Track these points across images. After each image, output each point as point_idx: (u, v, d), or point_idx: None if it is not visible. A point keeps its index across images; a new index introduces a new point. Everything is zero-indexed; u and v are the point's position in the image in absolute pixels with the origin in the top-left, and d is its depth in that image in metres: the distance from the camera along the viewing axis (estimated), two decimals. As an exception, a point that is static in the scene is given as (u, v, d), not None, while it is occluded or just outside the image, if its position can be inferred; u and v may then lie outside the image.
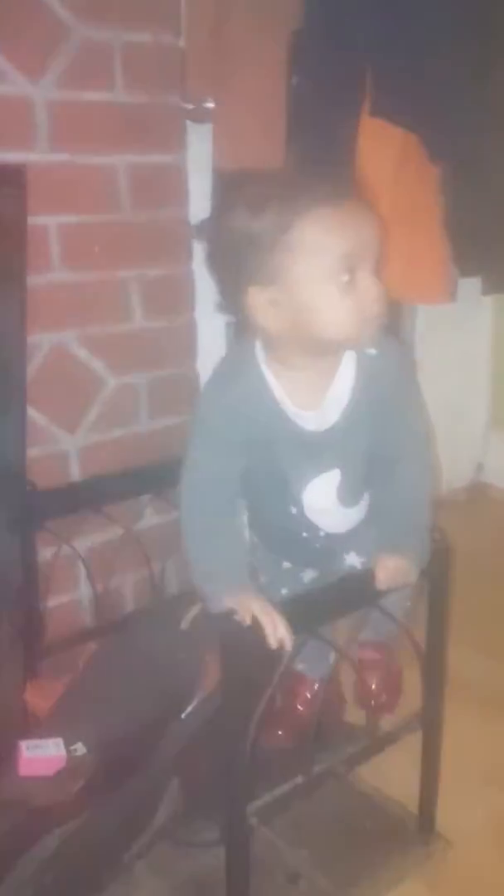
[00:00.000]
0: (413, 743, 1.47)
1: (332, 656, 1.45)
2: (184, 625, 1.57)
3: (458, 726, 1.54)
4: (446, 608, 1.43)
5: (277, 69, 1.88)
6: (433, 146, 1.95)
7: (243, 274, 1.25)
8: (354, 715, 1.64)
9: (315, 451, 1.37)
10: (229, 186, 1.50)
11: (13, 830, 1.32)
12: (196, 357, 2.06)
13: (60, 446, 1.86)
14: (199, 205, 1.97)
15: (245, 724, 1.21)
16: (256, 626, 1.20)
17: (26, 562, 1.64)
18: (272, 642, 1.19)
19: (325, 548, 1.50)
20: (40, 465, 1.77)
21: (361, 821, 1.53)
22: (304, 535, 1.47)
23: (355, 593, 1.35)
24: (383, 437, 1.38)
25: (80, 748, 1.40)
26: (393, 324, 2.61)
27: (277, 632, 1.19)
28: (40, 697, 1.57)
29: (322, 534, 1.47)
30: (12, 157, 1.67)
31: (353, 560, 1.51)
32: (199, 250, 1.99)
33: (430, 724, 1.47)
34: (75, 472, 1.89)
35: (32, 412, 1.76)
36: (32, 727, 1.51)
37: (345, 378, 1.35)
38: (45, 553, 1.75)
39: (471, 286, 2.37)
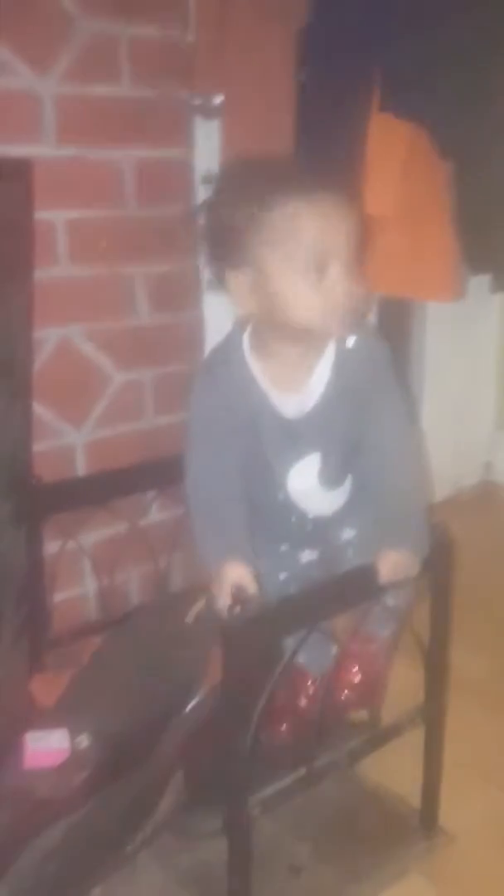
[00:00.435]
0: (415, 737, 1.47)
1: (334, 651, 1.45)
2: (188, 619, 1.58)
3: (460, 721, 1.54)
4: (449, 602, 1.43)
5: (286, 64, 1.88)
6: (442, 142, 1.95)
7: (224, 257, 1.34)
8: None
9: (295, 435, 1.42)
10: (223, 172, 1.58)
11: (17, 821, 1.32)
12: (203, 353, 2.06)
13: (66, 441, 1.87)
14: (207, 200, 1.97)
15: (247, 715, 1.21)
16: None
17: (32, 556, 1.64)
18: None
19: (317, 530, 1.53)
20: (46, 460, 1.77)
21: (364, 815, 1.54)
22: (293, 519, 1.52)
23: (357, 588, 1.35)
24: (362, 427, 1.42)
25: (84, 740, 1.41)
26: (401, 321, 2.63)
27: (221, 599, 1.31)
28: (46, 690, 1.57)
29: (310, 517, 1.52)
30: (19, 151, 1.67)
31: (347, 535, 1.53)
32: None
33: (432, 718, 1.47)
34: (81, 467, 1.90)
35: (38, 407, 1.77)
36: (37, 719, 1.51)
37: (324, 366, 1.40)
38: (51, 547, 1.75)
39: (479, 284, 2.37)
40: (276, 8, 1.84)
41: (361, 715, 1.55)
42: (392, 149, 1.92)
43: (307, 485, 1.47)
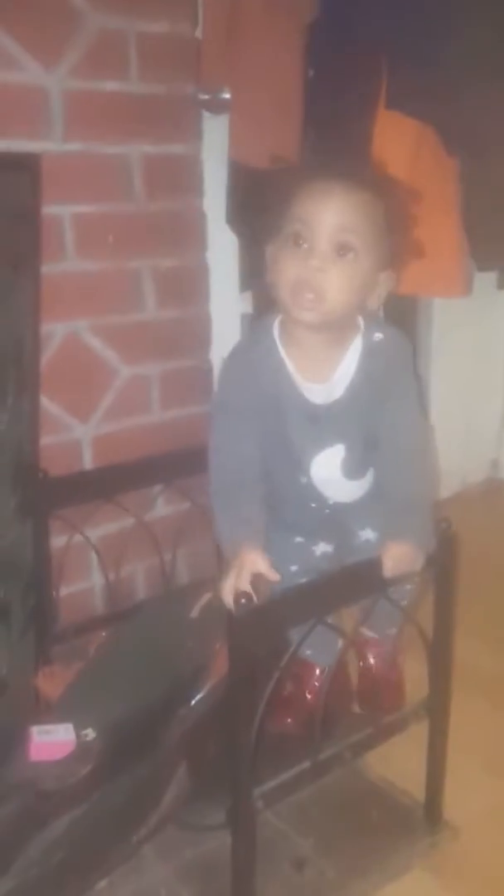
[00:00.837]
0: (419, 732, 1.47)
1: (339, 643, 1.45)
2: (194, 613, 1.58)
3: (464, 715, 1.54)
4: (453, 596, 1.43)
5: (294, 60, 1.88)
6: (450, 138, 1.95)
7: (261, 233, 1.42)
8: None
9: (321, 423, 1.45)
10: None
11: (23, 813, 1.33)
12: (210, 348, 2.07)
13: (73, 435, 1.87)
14: (215, 196, 1.97)
15: (252, 708, 1.21)
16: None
17: (39, 549, 1.65)
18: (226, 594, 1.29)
19: (335, 519, 1.55)
20: (53, 454, 1.78)
21: (368, 809, 1.54)
22: (313, 504, 1.54)
23: (363, 580, 1.35)
24: (379, 420, 1.45)
25: (89, 733, 1.41)
26: (408, 317, 2.63)
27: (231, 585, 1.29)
28: (52, 683, 1.58)
29: (330, 502, 1.53)
30: (27, 145, 1.68)
31: (368, 535, 1.54)
32: (214, 241, 2.01)
33: (436, 712, 1.47)
34: (88, 461, 1.90)
35: (45, 401, 1.78)
36: (43, 712, 1.52)
37: (350, 358, 1.43)
38: (58, 541, 1.76)
39: (487, 280, 2.37)
40: (283, 4, 1.84)
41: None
42: (399, 145, 1.92)
43: (330, 474, 1.50)
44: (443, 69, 1.84)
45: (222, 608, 1.30)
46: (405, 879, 1.42)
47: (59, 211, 1.74)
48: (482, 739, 1.67)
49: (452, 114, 1.90)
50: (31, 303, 1.61)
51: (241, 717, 1.21)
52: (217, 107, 1.93)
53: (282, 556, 1.51)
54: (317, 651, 1.54)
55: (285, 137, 1.89)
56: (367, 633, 1.63)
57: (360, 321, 1.44)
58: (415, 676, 1.51)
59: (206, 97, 1.92)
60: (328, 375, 1.43)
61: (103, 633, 1.68)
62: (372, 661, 1.66)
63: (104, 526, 1.89)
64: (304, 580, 1.50)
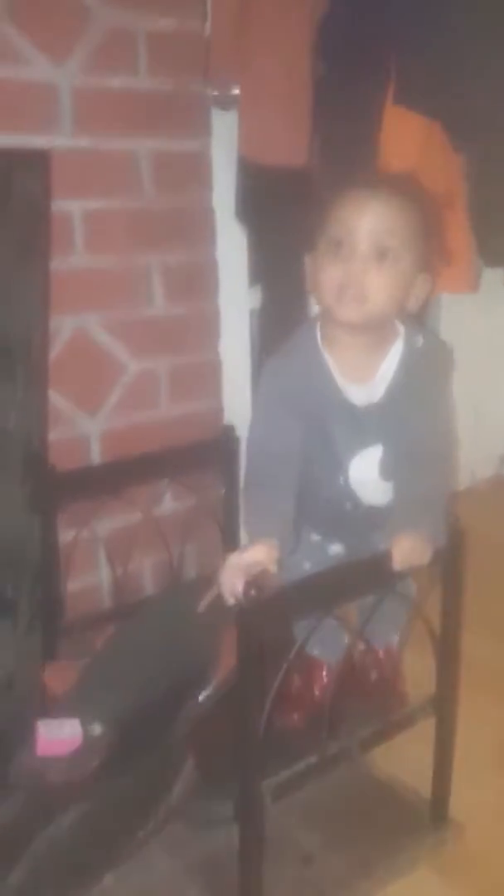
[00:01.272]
0: (426, 728, 1.47)
1: (347, 639, 1.45)
2: (201, 608, 1.58)
3: (472, 711, 1.54)
4: (460, 592, 1.43)
5: (303, 56, 1.88)
6: (457, 134, 1.94)
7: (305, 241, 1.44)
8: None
9: (361, 424, 1.47)
10: None
11: (30, 808, 1.33)
12: (218, 343, 2.07)
13: (81, 430, 1.87)
14: (224, 191, 1.97)
15: (259, 702, 1.22)
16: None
17: (46, 543, 1.65)
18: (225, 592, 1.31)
19: (363, 521, 1.55)
20: (61, 448, 1.78)
21: (375, 805, 1.54)
22: (348, 506, 1.55)
23: (370, 574, 1.35)
24: (411, 423, 1.46)
25: (96, 728, 1.42)
26: (416, 313, 2.62)
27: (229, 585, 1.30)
28: (59, 678, 1.58)
29: (364, 504, 1.55)
30: (36, 141, 1.68)
31: (377, 539, 1.52)
32: (222, 237, 2.01)
33: (443, 709, 1.47)
34: (95, 456, 1.90)
35: (54, 395, 1.78)
36: (50, 706, 1.52)
37: (392, 360, 1.46)
38: (66, 536, 1.77)
39: (494, 276, 2.36)
40: (293, 0, 1.84)
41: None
42: (407, 141, 1.92)
43: (367, 474, 1.51)
44: (450, 65, 1.83)
45: (229, 604, 1.31)
46: (411, 876, 1.42)
47: (69, 206, 1.75)
48: (489, 736, 1.67)
49: (460, 110, 1.89)
50: (40, 297, 1.61)
51: (250, 711, 1.21)
52: (226, 102, 1.93)
53: (298, 553, 1.52)
54: (324, 648, 1.54)
55: (294, 133, 1.89)
56: (369, 642, 1.63)
57: (401, 325, 1.47)
58: (422, 672, 1.51)
59: (216, 93, 1.92)
60: (369, 377, 1.46)
61: (110, 628, 1.68)
62: (374, 676, 1.65)
63: (112, 520, 1.90)
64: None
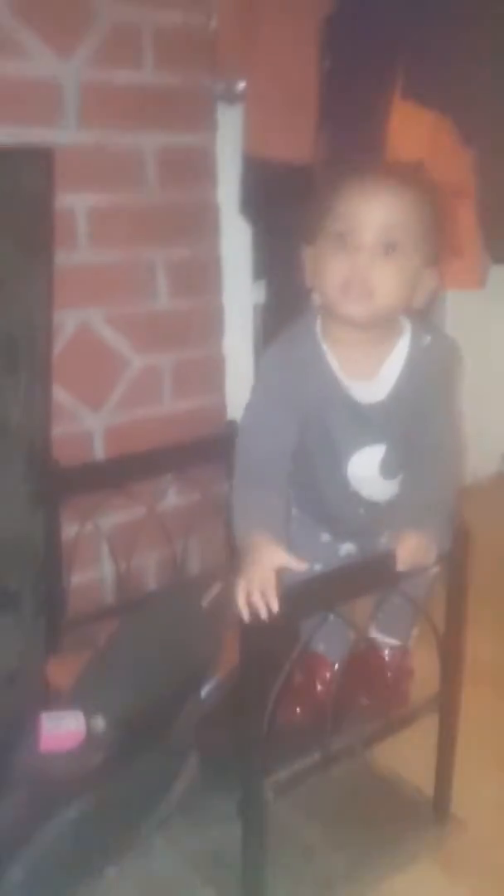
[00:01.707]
0: (429, 724, 1.48)
1: (351, 637, 1.45)
2: (204, 603, 1.58)
3: (474, 709, 1.55)
4: (464, 590, 1.43)
5: (309, 51, 1.87)
6: (466, 129, 1.93)
7: (303, 233, 1.40)
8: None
9: (365, 422, 1.44)
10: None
11: (33, 802, 1.33)
12: (222, 339, 2.06)
13: (85, 425, 1.87)
14: (229, 186, 1.97)
15: (263, 698, 1.22)
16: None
17: (50, 538, 1.65)
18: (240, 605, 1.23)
19: (366, 517, 1.53)
20: (65, 443, 1.78)
21: (377, 801, 1.54)
22: (348, 500, 1.52)
23: (375, 573, 1.36)
24: (418, 423, 1.45)
25: (99, 722, 1.42)
26: (421, 310, 2.62)
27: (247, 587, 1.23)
28: (62, 672, 1.59)
29: (366, 500, 1.52)
30: (41, 136, 1.68)
31: (386, 538, 1.52)
32: (227, 232, 2.01)
33: (446, 706, 1.47)
34: (99, 451, 1.90)
35: (58, 390, 1.78)
36: (53, 701, 1.52)
37: (397, 357, 1.43)
38: (69, 531, 1.77)
39: (501, 273, 2.36)
40: (300, -6, 1.84)
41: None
42: (415, 136, 1.91)
43: (368, 472, 1.48)
44: (459, 58, 1.83)
45: (232, 599, 1.30)
46: (412, 871, 1.42)
47: (73, 201, 1.74)
48: (491, 733, 1.68)
49: (469, 104, 1.88)
50: (44, 292, 1.61)
51: (253, 707, 1.22)
52: (232, 98, 1.92)
53: (307, 554, 1.51)
54: (329, 645, 1.55)
55: (300, 128, 1.89)
56: (385, 639, 1.64)
57: (406, 322, 1.44)
58: (425, 670, 1.52)
59: (221, 88, 1.91)
60: (372, 374, 1.42)
61: (113, 623, 1.68)
62: (389, 674, 1.65)
63: (115, 516, 1.90)
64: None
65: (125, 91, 1.77)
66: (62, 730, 1.41)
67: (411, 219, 1.33)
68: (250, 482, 1.40)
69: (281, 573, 1.26)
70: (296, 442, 1.43)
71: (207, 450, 1.90)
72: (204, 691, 1.50)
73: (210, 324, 2.03)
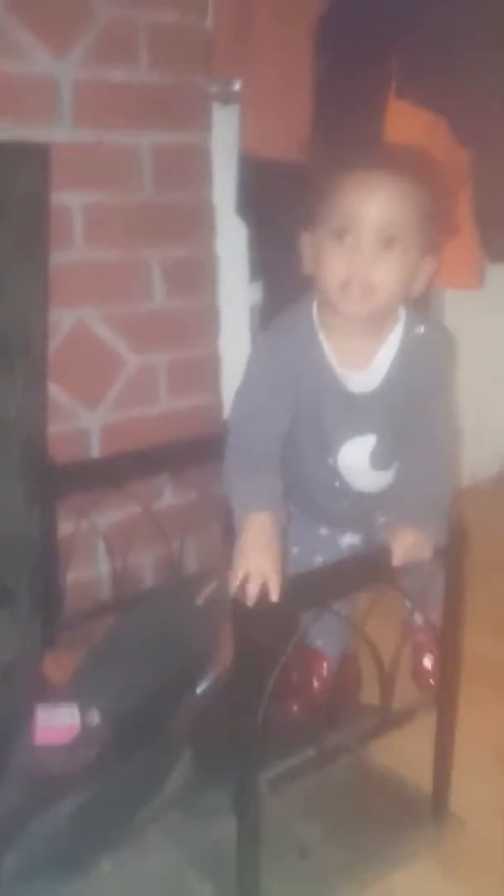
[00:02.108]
0: (427, 722, 1.47)
1: (348, 633, 1.45)
2: (199, 601, 1.58)
3: (472, 705, 1.54)
4: (462, 588, 1.42)
5: (304, 50, 1.88)
6: (461, 129, 1.93)
7: (301, 219, 1.39)
8: (369, 695, 1.64)
9: (356, 411, 1.43)
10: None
11: (28, 796, 1.33)
12: (218, 338, 2.07)
13: (81, 423, 1.87)
14: (224, 186, 1.97)
15: (257, 693, 1.21)
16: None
17: (46, 536, 1.65)
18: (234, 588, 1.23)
19: (359, 504, 1.53)
20: (61, 442, 1.78)
21: (374, 799, 1.53)
22: (337, 484, 1.51)
23: (370, 568, 1.35)
24: (412, 415, 1.44)
25: (94, 718, 1.42)
26: (419, 309, 2.62)
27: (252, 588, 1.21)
28: (58, 669, 1.59)
29: (350, 491, 1.51)
30: (36, 134, 1.68)
31: (381, 519, 1.53)
32: (223, 231, 2.01)
33: (445, 703, 1.46)
34: (95, 450, 1.90)
35: (53, 389, 1.78)
36: (49, 697, 1.52)
37: (390, 348, 1.42)
38: (65, 528, 1.76)
39: (499, 272, 2.36)
40: (294, -7, 1.84)
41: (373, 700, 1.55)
42: (411, 136, 1.91)
43: (357, 462, 1.48)
44: (454, 58, 1.83)
45: (228, 596, 1.30)
46: (410, 869, 1.41)
47: (69, 199, 1.75)
48: (490, 730, 1.67)
49: (464, 104, 1.88)
50: (40, 291, 1.61)
51: (247, 703, 1.21)
52: (227, 97, 1.93)
53: (307, 548, 1.51)
54: (327, 641, 1.54)
55: (296, 127, 1.89)
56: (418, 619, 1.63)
57: (402, 311, 1.43)
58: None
59: (216, 87, 1.92)
60: (366, 363, 1.42)
61: (109, 620, 1.68)
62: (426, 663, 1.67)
63: (111, 514, 1.90)
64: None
65: (120, 90, 1.78)
66: (57, 723, 1.41)
67: (410, 210, 1.31)
68: (244, 463, 1.40)
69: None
70: (287, 424, 1.43)
71: (203, 449, 1.89)
72: (199, 687, 1.49)
73: (206, 323, 2.04)
